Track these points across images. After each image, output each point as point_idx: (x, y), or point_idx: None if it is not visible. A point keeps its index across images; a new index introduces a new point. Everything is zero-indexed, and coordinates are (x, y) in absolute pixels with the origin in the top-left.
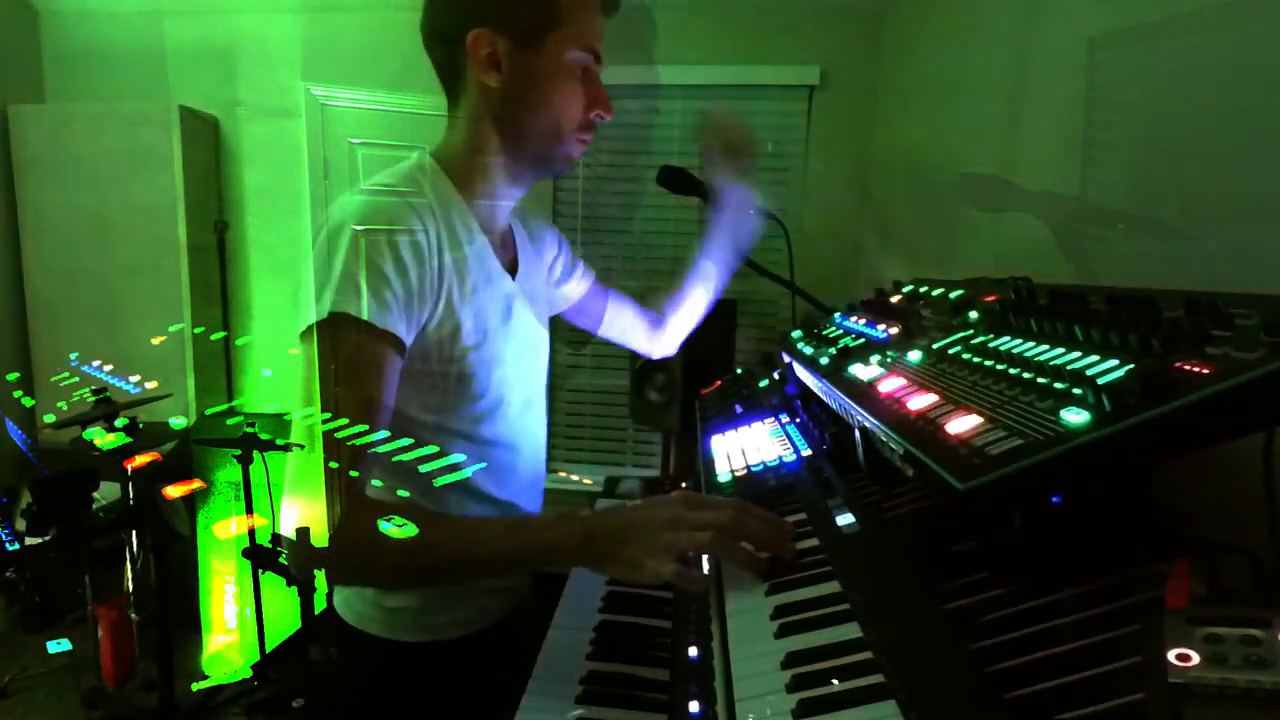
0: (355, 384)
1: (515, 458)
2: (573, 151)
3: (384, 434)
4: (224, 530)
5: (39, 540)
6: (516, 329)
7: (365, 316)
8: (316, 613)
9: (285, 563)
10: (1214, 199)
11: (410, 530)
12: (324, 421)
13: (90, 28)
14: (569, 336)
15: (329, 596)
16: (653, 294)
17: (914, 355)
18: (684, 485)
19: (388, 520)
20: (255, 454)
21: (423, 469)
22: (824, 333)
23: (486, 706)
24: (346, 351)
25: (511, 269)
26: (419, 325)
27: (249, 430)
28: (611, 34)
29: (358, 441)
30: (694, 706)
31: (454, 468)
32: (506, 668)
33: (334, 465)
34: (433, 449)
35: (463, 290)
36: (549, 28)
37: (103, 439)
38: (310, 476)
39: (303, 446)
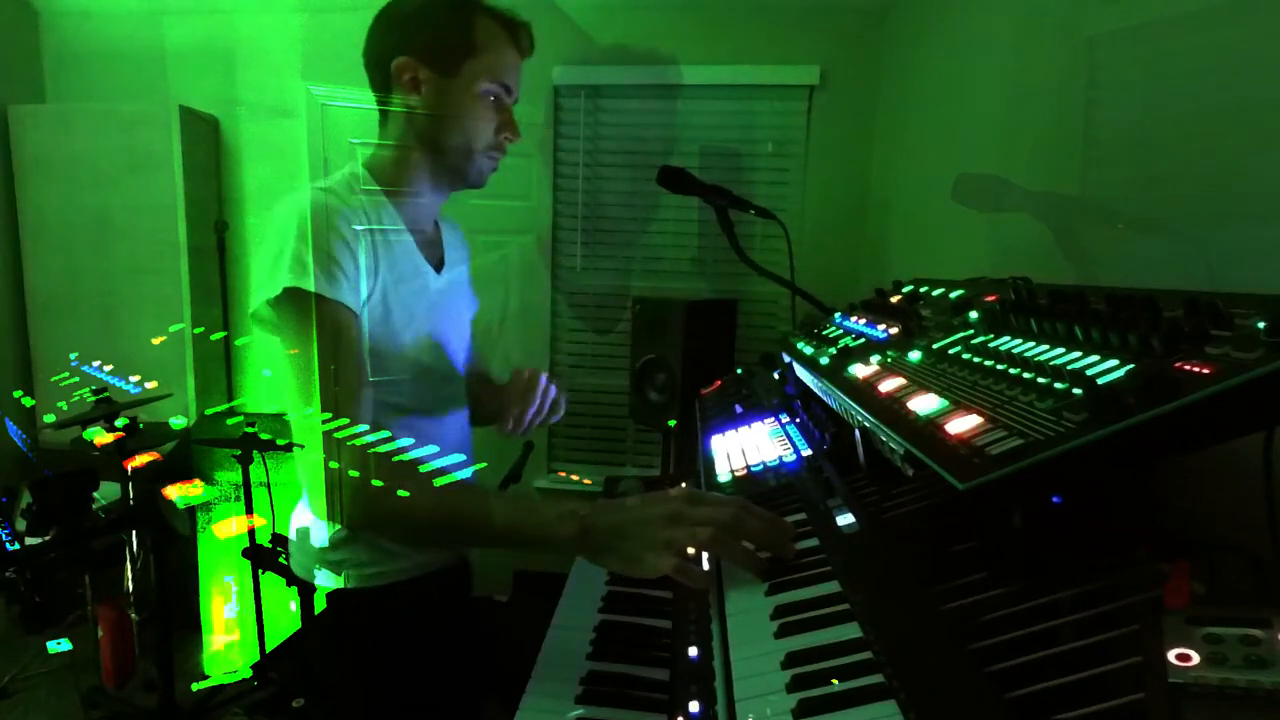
0: (335, 351)
1: (438, 427)
2: (484, 167)
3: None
4: (224, 530)
5: (39, 540)
6: (440, 315)
7: (325, 293)
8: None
9: (285, 563)
10: (1214, 199)
11: (418, 497)
12: (313, 388)
13: (90, 28)
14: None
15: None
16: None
17: (914, 355)
18: (683, 485)
19: (407, 484)
20: (255, 454)
21: (378, 448)
22: (824, 333)
23: (427, 644)
24: (318, 324)
25: (439, 265)
26: (359, 307)
27: (249, 430)
28: (616, 35)
29: (348, 435)
30: (694, 706)
31: (389, 440)
32: (443, 610)
33: (336, 454)
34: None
35: (391, 279)
36: (464, 59)
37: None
38: (319, 468)
39: (302, 446)
